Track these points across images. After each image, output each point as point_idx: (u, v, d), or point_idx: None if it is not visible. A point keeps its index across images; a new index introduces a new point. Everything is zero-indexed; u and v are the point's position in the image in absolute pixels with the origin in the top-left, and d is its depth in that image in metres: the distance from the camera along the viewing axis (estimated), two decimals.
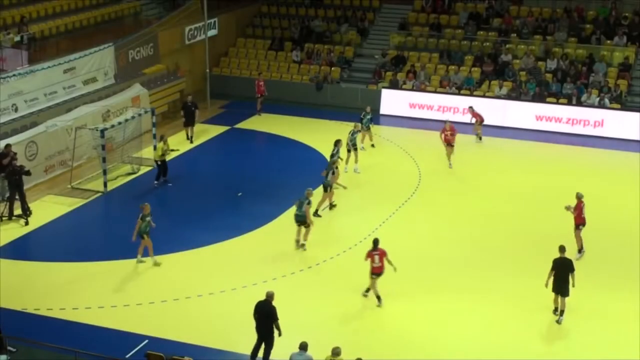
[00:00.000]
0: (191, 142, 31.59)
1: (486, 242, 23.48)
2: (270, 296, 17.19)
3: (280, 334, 17.09)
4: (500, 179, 28.29)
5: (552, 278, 19.06)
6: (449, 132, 28.77)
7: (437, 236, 23.85)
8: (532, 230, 24.22)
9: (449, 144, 28.84)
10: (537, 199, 26.53)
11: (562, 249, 19.26)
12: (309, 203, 22.66)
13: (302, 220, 22.59)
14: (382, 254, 19.70)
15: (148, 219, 21.28)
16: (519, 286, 20.82)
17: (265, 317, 17.05)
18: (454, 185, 27.55)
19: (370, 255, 19.75)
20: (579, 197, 22.54)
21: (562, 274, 18.94)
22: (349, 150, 28.19)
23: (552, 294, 19.29)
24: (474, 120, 31.93)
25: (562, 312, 19.20)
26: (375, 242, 19.92)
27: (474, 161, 30.08)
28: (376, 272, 19.71)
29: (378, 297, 19.88)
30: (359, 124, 29.63)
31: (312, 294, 20.39)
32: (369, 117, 30.62)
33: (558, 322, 19.14)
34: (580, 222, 22.28)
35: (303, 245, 22.71)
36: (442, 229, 24.19)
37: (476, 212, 25.38)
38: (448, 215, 25.16)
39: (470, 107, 32.21)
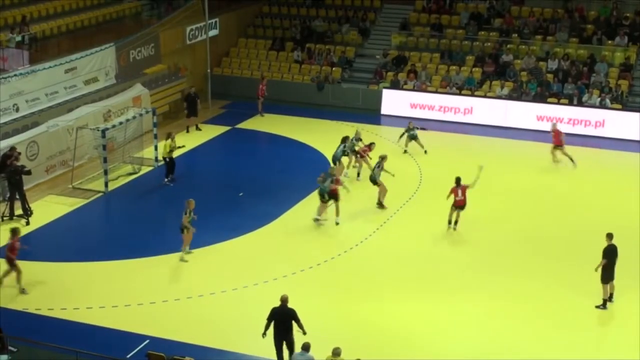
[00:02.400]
0: (197, 129, 32.28)
1: (487, 243, 23.47)
2: (285, 300, 17.14)
3: (304, 333, 16.96)
4: (501, 179, 28.26)
5: (600, 267, 19.69)
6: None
7: (438, 236, 23.85)
8: (533, 231, 24.22)
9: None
10: (538, 199, 26.54)
11: (610, 236, 19.83)
12: (333, 181, 24.02)
13: (323, 194, 24.14)
14: (464, 189, 23.43)
15: (192, 214, 21.72)
16: (520, 286, 20.84)
17: (285, 320, 17.00)
18: None
19: (453, 191, 23.46)
20: (553, 125, 29.59)
21: (614, 260, 19.67)
22: (347, 155, 27.88)
23: (600, 286, 19.83)
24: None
25: (611, 295, 19.94)
26: (458, 179, 23.59)
27: (476, 162, 30.04)
28: (459, 205, 23.54)
29: (455, 222, 23.75)
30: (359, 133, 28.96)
31: (312, 294, 20.39)
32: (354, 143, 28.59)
33: (604, 307, 19.89)
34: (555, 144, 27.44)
35: (328, 221, 24.20)
36: (443, 230, 24.18)
37: (477, 212, 25.32)
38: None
39: (357, 132, 28.67)
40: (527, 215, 25.30)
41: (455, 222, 23.85)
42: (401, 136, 30.64)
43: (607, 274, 19.74)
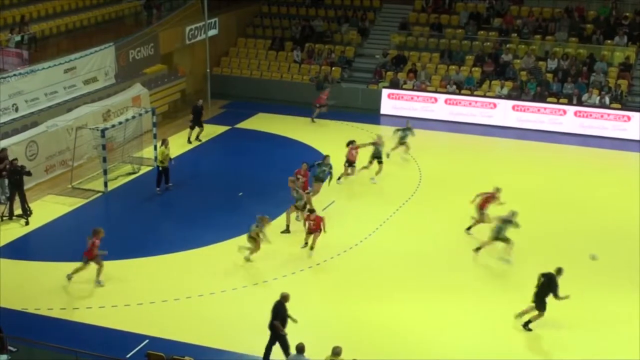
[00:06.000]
0: (197, 139, 31.66)
1: None
2: (283, 297, 17.20)
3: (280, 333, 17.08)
4: (501, 179, 28.14)
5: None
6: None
7: (437, 236, 23.84)
8: (533, 231, 24.19)
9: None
10: (538, 200, 26.53)
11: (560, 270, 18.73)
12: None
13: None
14: (318, 219, 22.29)
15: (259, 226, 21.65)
16: (520, 286, 20.77)
17: (272, 316, 17.14)
18: (455, 186, 27.52)
19: (307, 218, 22.55)
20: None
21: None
22: (371, 162, 27.47)
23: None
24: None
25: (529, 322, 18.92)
26: (311, 210, 22.63)
27: (475, 161, 30.09)
28: (313, 231, 22.34)
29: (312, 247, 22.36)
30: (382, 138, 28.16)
31: (312, 293, 20.39)
32: (407, 132, 29.40)
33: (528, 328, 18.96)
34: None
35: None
36: (443, 230, 24.18)
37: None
38: (449, 215, 25.14)
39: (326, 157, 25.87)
40: (527, 215, 25.23)
41: (311, 247, 22.37)
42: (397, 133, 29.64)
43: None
